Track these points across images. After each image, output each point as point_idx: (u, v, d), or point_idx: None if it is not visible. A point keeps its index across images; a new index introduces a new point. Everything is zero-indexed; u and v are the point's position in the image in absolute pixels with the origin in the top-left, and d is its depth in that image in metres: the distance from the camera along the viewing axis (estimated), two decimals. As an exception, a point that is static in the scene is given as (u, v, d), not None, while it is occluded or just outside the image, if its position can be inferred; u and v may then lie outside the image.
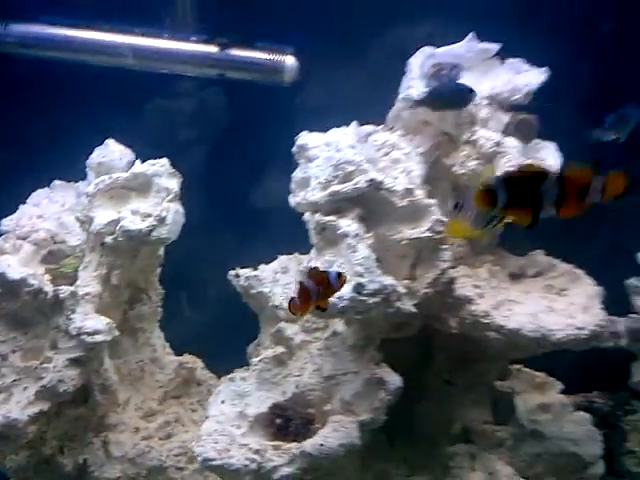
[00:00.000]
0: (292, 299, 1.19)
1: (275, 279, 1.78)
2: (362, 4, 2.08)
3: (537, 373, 1.92)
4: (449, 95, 1.60)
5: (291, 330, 1.65)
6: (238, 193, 2.23)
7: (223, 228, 2.25)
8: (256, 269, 1.82)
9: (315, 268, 1.26)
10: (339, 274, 1.20)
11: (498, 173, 1.08)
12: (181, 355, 1.79)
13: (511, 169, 1.21)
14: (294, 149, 1.64)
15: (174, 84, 2.20)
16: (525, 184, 1.02)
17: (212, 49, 1.98)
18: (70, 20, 1.98)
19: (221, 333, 2.10)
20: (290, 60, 1.96)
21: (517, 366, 1.93)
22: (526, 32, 1.82)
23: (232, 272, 1.80)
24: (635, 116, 1.61)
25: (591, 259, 2.28)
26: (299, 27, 2.05)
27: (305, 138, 1.63)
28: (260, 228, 2.20)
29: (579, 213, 1.03)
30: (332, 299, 1.29)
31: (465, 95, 1.56)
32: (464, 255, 1.74)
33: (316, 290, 1.18)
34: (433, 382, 1.76)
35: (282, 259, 1.85)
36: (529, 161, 1.54)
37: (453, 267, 1.67)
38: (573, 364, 2.13)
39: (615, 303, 2.14)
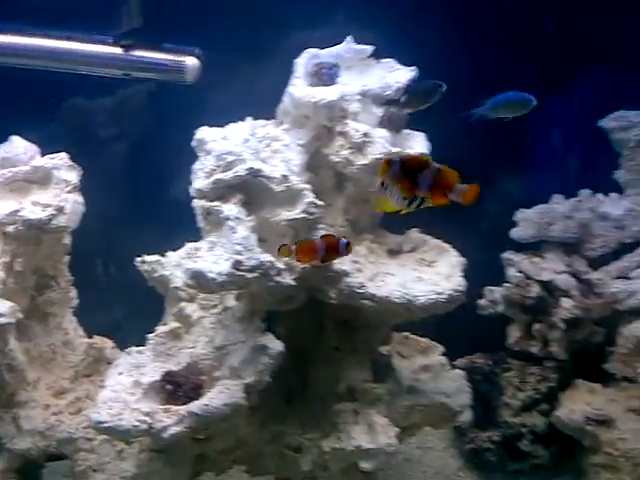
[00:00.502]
0: (300, 244, 1.39)
1: (179, 263, 1.86)
2: (261, 12, 2.19)
3: (421, 339, 2.06)
4: (423, 91, 1.68)
5: (190, 308, 1.76)
6: (154, 186, 2.30)
7: (142, 219, 2.32)
8: (163, 256, 1.90)
9: (330, 234, 1.46)
10: (348, 243, 1.40)
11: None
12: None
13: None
14: (193, 143, 1.72)
15: (91, 83, 2.23)
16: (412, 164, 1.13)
17: (117, 50, 2.04)
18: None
19: (137, 316, 2.17)
20: (192, 61, 2.04)
21: (405, 333, 2.09)
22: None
23: (139, 259, 1.88)
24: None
25: (479, 236, 2.49)
26: (204, 30, 2.14)
27: (203, 132, 1.72)
28: (175, 218, 2.27)
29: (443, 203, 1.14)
30: (211, 274, 1.41)
31: (437, 89, 1.64)
32: (346, 234, 1.87)
33: (322, 250, 1.39)
34: (324, 349, 1.88)
35: (189, 245, 1.93)
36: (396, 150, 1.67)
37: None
38: (461, 331, 2.33)
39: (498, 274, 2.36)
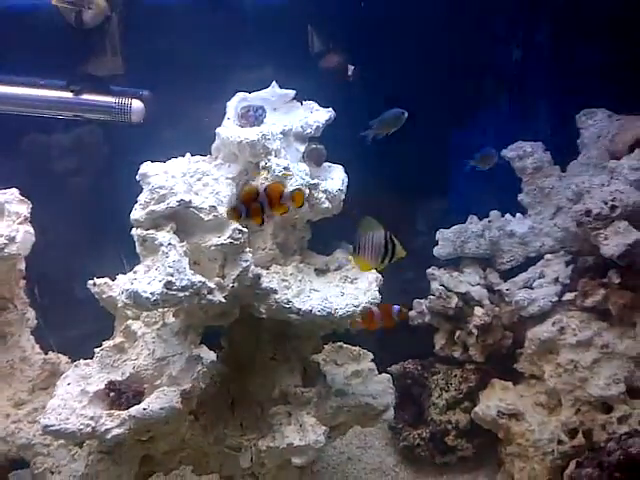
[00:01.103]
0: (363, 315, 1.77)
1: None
2: (200, 59, 2.37)
3: (354, 348, 2.22)
4: (392, 118, 1.95)
5: (136, 325, 1.91)
6: (107, 216, 2.42)
7: (95, 245, 2.45)
8: (113, 279, 2.06)
9: (382, 304, 1.81)
10: (400, 309, 1.76)
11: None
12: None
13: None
14: (137, 177, 1.87)
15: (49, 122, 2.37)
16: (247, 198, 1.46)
17: (68, 94, 2.21)
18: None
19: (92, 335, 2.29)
20: (137, 103, 2.22)
21: (339, 343, 2.26)
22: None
23: (90, 282, 2.03)
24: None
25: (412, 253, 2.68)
26: (152, 74, 2.31)
27: (146, 167, 1.87)
28: (131, 246, 2.41)
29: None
30: (145, 294, 1.59)
31: (399, 116, 1.91)
32: (276, 256, 2.06)
33: (379, 318, 1.79)
34: (261, 359, 2.05)
35: (137, 268, 2.08)
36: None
37: (265, 266, 2.01)
38: (393, 340, 2.51)
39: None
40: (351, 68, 2.47)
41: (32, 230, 1.84)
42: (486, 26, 2.49)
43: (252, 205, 1.50)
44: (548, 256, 2.35)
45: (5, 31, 2.17)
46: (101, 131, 2.49)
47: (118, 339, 1.79)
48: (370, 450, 2.60)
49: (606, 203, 2.09)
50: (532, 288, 2.31)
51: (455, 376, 2.45)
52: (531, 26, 2.52)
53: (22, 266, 1.91)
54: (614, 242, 2.07)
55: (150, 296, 1.60)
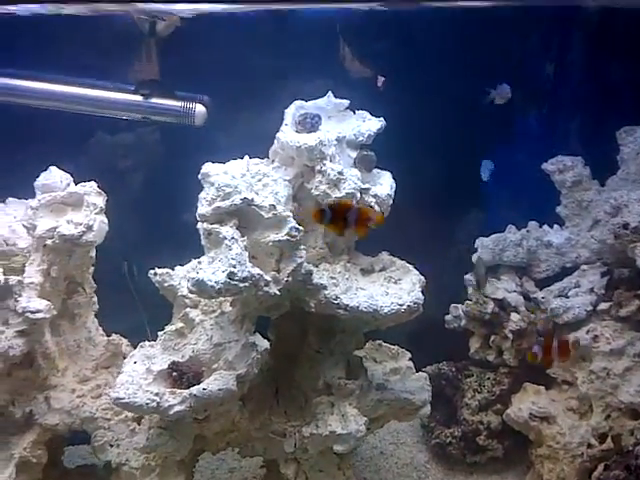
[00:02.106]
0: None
1: (185, 276, 2.08)
2: (260, 67, 2.47)
3: (392, 347, 2.26)
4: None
5: (194, 313, 2.00)
6: (169, 211, 2.53)
7: (158, 238, 2.56)
8: (173, 269, 2.16)
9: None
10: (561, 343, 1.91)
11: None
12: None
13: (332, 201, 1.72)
14: (199, 176, 1.94)
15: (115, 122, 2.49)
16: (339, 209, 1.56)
17: (138, 98, 2.33)
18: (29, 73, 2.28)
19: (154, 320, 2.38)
20: (200, 107, 2.32)
21: (379, 342, 2.30)
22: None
23: (152, 271, 2.13)
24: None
25: (451, 259, 2.74)
26: (211, 81, 2.42)
27: (207, 167, 1.94)
28: (186, 239, 2.50)
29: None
30: (210, 283, 1.68)
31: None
32: (325, 255, 2.13)
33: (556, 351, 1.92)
34: (307, 351, 2.11)
35: (194, 261, 2.16)
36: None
37: (315, 264, 2.08)
38: (432, 343, 2.57)
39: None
40: (381, 79, 2.54)
41: (106, 220, 1.95)
42: (528, 40, 2.53)
43: (340, 215, 1.60)
44: (584, 267, 2.37)
45: (84, 38, 2.29)
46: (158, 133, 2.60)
47: (179, 324, 1.88)
48: (402, 446, 2.65)
49: (644, 217, 2.12)
50: (567, 297, 2.33)
51: (488, 379, 2.49)
52: (573, 41, 2.56)
53: (93, 253, 2.02)
54: (650, 255, 2.10)
55: (215, 285, 1.69)
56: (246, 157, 2.08)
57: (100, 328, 2.14)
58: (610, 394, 2.16)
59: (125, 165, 2.69)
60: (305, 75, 2.39)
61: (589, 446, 2.16)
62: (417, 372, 2.19)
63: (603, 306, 2.26)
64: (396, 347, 2.27)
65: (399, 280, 2.09)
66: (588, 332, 2.23)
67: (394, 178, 2.12)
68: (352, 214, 1.60)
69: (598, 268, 2.34)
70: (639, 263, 2.11)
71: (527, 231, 2.47)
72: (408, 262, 2.12)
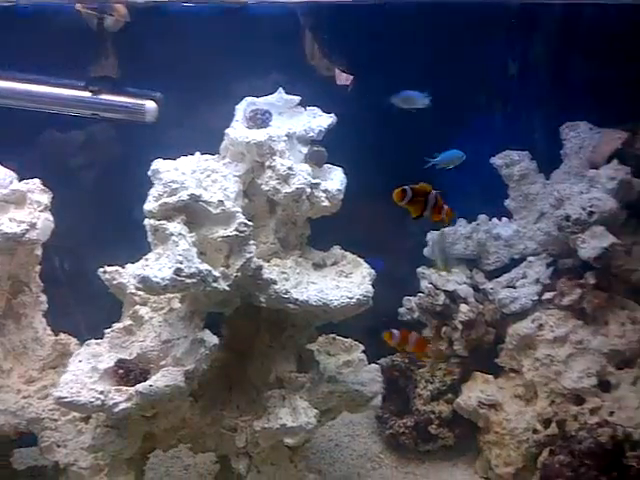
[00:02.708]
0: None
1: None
2: (211, 64, 2.43)
3: (346, 340, 2.26)
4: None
5: (143, 310, 1.96)
6: (121, 209, 2.47)
7: (110, 236, 2.50)
8: (123, 267, 2.10)
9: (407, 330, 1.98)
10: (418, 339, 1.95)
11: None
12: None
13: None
14: (149, 172, 1.91)
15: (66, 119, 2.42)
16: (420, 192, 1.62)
17: (87, 94, 2.26)
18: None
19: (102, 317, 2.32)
20: (150, 104, 2.28)
21: (333, 335, 2.29)
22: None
23: (101, 269, 2.07)
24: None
25: (406, 252, 2.75)
26: (163, 77, 2.37)
27: (157, 164, 1.91)
28: (139, 236, 2.46)
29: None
30: (156, 279, 1.64)
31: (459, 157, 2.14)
32: (277, 250, 2.11)
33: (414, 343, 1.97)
34: (259, 346, 2.09)
35: (148, 255, 2.10)
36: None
37: (266, 259, 2.06)
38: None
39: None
40: (350, 78, 2.53)
41: (51, 218, 1.88)
42: (482, 40, 2.55)
43: (420, 197, 1.65)
44: (530, 258, 2.41)
45: (31, 34, 2.22)
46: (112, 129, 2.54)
47: (127, 322, 1.84)
48: (358, 438, 2.66)
49: (584, 209, 2.16)
50: (515, 287, 2.37)
51: (440, 369, 2.51)
52: (525, 43, 2.59)
53: (39, 252, 1.95)
54: (591, 245, 2.14)
55: (160, 281, 1.65)
56: (197, 153, 2.05)
57: (48, 328, 2.08)
58: (554, 380, 2.20)
59: (76, 162, 2.62)
60: (260, 71, 2.35)
61: (535, 431, 2.20)
62: (371, 364, 2.19)
63: (548, 295, 2.30)
64: (349, 340, 2.26)
65: (350, 274, 2.09)
66: (533, 321, 2.27)
67: (346, 173, 2.10)
68: (431, 199, 1.65)
69: (544, 259, 2.38)
70: (581, 253, 2.16)
71: (477, 224, 2.50)
72: (360, 256, 2.11)
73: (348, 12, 2.46)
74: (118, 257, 2.09)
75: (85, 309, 2.30)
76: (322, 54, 2.51)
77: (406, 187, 1.67)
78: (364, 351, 2.24)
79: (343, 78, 2.54)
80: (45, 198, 1.87)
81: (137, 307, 1.94)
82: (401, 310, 2.60)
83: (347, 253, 2.16)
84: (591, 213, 2.15)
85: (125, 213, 2.37)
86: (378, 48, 2.47)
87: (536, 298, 2.32)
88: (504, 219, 2.53)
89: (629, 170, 2.21)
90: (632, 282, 2.23)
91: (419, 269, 2.60)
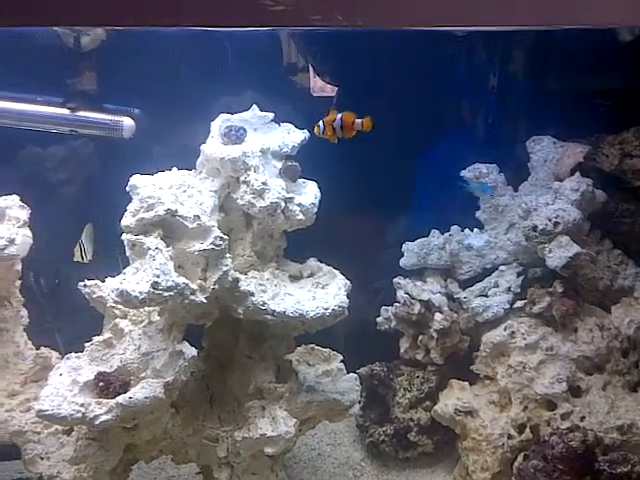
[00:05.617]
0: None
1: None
2: (187, 81, 2.52)
3: (324, 350, 2.33)
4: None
5: (123, 323, 2.04)
6: (101, 224, 2.54)
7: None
8: (103, 281, 2.17)
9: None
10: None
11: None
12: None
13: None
14: (127, 188, 1.97)
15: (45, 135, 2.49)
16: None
17: (65, 111, 2.35)
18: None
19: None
20: (128, 120, 2.37)
21: (311, 345, 2.37)
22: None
23: (81, 283, 2.14)
24: None
25: (381, 264, 2.84)
26: (139, 94, 2.45)
27: (135, 179, 1.97)
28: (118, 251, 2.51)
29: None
30: (134, 293, 1.72)
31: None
32: (254, 262, 2.19)
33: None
34: (238, 357, 2.15)
35: (126, 270, 2.17)
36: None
37: (243, 271, 2.15)
38: (362, 344, 2.66)
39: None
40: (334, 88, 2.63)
41: (30, 234, 1.96)
42: (461, 55, 2.67)
43: (330, 126, 1.86)
44: (502, 267, 2.51)
45: (10, 52, 2.30)
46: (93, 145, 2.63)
47: (107, 335, 1.91)
48: (339, 447, 2.73)
49: (550, 220, 2.27)
50: (487, 296, 2.47)
51: (417, 377, 2.59)
52: (492, 59, 2.72)
53: (19, 267, 2.02)
54: (557, 255, 2.25)
55: (138, 295, 1.73)
56: (174, 169, 2.13)
57: (29, 342, 2.14)
58: (527, 386, 2.30)
59: (56, 178, 2.69)
60: (236, 88, 2.45)
61: (509, 437, 2.29)
62: (349, 373, 2.26)
63: (519, 304, 2.40)
64: (328, 350, 2.34)
65: (326, 285, 2.16)
66: (505, 329, 2.37)
67: (320, 187, 2.20)
68: (337, 121, 1.90)
69: (514, 268, 2.49)
70: (548, 262, 2.27)
71: (450, 235, 2.59)
72: (336, 268, 2.20)
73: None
74: (98, 271, 2.15)
75: (66, 323, 2.36)
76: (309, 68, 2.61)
77: (318, 124, 1.94)
78: (342, 360, 2.32)
79: (327, 89, 2.64)
80: (24, 214, 1.94)
81: (117, 320, 2.00)
82: (379, 319, 2.68)
83: (323, 265, 2.24)
84: (556, 224, 2.26)
85: (105, 228, 2.46)
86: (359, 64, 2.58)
87: (508, 307, 2.42)
88: (476, 230, 2.63)
89: (591, 182, 2.33)
90: (599, 289, 2.34)
91: (395, 279, 2.69)
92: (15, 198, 1.98)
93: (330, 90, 2.76)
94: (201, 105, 2.37)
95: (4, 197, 1.98)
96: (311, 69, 2.71)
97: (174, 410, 2.05)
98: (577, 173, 2.36)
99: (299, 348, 2.30)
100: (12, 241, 1.86)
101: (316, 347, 2.38)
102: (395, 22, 1.24)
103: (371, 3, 1.20)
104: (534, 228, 2.30)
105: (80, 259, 2.26)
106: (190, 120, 2.38)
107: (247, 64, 2.55)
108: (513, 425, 2.30)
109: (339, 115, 2.00)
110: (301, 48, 2.67)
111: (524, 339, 2.34)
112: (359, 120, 1.98)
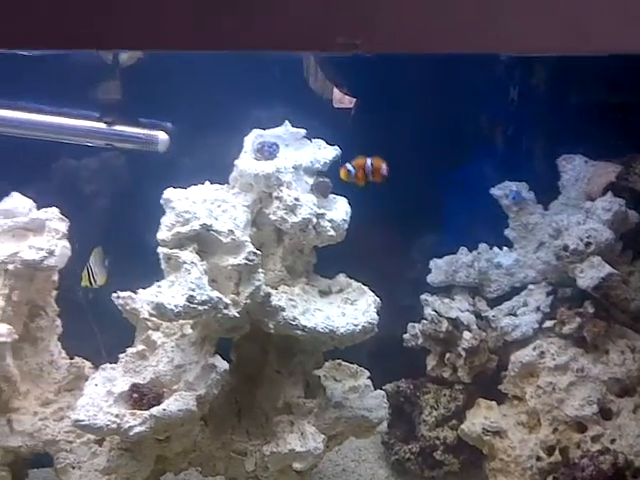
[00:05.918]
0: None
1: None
2: (221, 97, 2.57)
3: (352, 365, 2.33)
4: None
5: (156, 335, 2.07)
6: (134, 235, 2.58)
7: (123, 262, 2.60)
8: (135, 292, 2.21)
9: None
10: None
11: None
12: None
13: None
14: (161, 201, 2.01)
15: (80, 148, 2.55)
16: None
17: (101, 125, 2.40)
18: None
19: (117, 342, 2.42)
20: (162, 135, 2.41)
21: (339, 361, 2.37)
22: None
23: (114, 294, 2.18)
24: None
25: (408, 281, 2.85)
26: (172, 109, 2.51)
27: (169, 193, 2.01)
28: (152, 263, 2.54)
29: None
30: (170, 306, 1.75)
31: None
32: (284, 277, 2.21)
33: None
34: (267, 372, 2.17)
35: (161, 282, 2.19)
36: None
37: (274, 286, 2.17)
38: (388, 360, 2.66)
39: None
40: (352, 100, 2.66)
41: (69, 245, 2.01)
42: (486, 73, 2.69)
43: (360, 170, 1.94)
44: (531, 286, 2.50)
45: (50, 67, 2.37)
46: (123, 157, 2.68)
47: (140, 347, 1.94)
48: (364, 463, 2.71)
49: (582, 240, 2.26)
50: (516, 315, 2.46)
51: (444, 395, 2.57)
52: (522, 81, 2.73)
53: (56, 277, 2.07)
54: (589, 275, 2.24)
55: (174, 308, 1.76)
56: (207, 183, 2.17)
57: (63, 351, 2.18)
58: (556, 408, 2.28)
59: (90, 189, 2.75)
60: (267, 104, 2.49)
61: (538, 459, 2.27)
62: (376, 390, 2.26)
63: (548, 324, 2.38)
64: (355, 366, 2.34)
65: (355, 301, 2.17)
66: (535, 349, 2.35)
67: (350, 204, 2.22)
68: (368, 166, 1.97)
69: (544, 287, 2.48)
70: (579, 283, 2.25)
71: (478, 253, 2.59)
72: (365, 284, 2.21)
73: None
74: (132, 283, 2.18)
75: (100, 333, 2.40)
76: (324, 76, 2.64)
77: (347, 167, 1.98)
78: (370, 377, 2.32)
79: (346, 101, 2.67)
80: (63, 226, 1.99)
81: (150, 332, 2.04)
82: (406, 336, 2.68)
83: (352, 281, 2.25)
84: (588, 244, 2.25)
85: (139, 240, 2.49)
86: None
87: (537, 326, 2.40)
88: (505, 248, 2.62)
89: (623, 202, 2.32)
90: (630, 311, 2.31)
91: (422, 296, 2.69)
92: (55, 210, 2.03)
93: (349, 102, 2.78)
94: (237, 120, 2.41)
95: (44, 209, 2.03)
96: (334, 83, 2.74)
97: (203, 423, 2.07)
98: (609, 193, 2.35)
99: (326, 363, 2.30)
100: (52, 252, 1.91)
101: (343, 363, 2.38)
102: (423, 47, 1.27)
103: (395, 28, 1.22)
104: (565, 248, 2.29)
105: (88, 284, 2.22)
106: (225, 135, 2.42)
107: (271, 79, 2.58)
108: (542, 447, 2.28)
109: (369, 160, 2.05)
110: (325, 62, 2.70)
111: (554, 359, 2.32)
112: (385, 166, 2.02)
